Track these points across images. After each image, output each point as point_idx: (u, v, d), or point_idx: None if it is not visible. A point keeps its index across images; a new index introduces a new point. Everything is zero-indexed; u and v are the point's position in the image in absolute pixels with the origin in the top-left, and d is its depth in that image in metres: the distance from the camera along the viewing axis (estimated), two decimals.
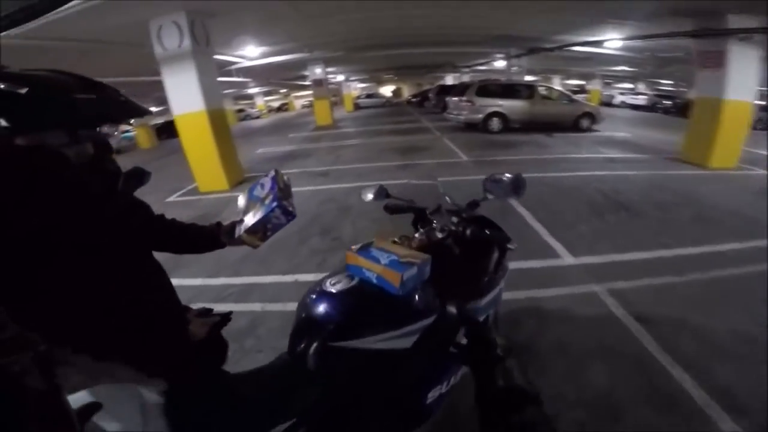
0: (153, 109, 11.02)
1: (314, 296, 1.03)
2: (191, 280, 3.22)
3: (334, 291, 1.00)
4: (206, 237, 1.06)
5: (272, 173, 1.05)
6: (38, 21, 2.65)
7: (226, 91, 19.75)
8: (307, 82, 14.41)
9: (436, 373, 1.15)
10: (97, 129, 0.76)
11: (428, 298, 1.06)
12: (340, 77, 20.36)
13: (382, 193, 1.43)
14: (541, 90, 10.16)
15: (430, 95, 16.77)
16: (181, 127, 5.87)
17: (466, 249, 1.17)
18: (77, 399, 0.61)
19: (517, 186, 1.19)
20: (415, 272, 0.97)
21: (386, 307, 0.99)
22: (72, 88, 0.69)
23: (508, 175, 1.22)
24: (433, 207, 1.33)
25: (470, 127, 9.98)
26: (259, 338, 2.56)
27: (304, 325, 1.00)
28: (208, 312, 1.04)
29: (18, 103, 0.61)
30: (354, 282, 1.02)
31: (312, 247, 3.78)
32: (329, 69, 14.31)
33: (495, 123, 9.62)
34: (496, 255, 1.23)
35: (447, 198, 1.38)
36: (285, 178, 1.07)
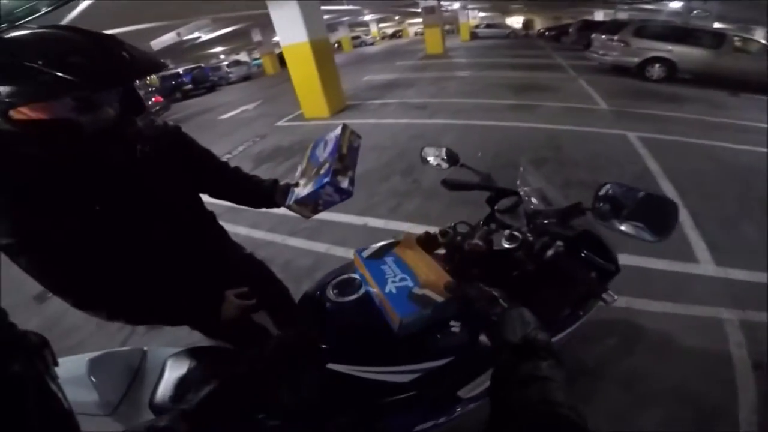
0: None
1: (313, 301, 0.90)
2: (271, 210, 3.42)
3: (330, 301, 0.84)
4: (262, 194, 1.01)
5: (337, 131, 0.89)
6: None
7: (343, 19, 19.69)
8: (418, 9, 13.15)
9: (435, 412, 0.87)
10: (120, 88, 0.69)
11: (446, 338, 0.75)
12: (456, 4, 18.68)
13: (452, 159, 1.09)
14: (736, 41, 7.10)
15: (570, 30, 13.92)
16: (288, 58, 6.16)
17: (542, 269, 0.76)
18: None
19: (658, 217, 0.68)
20: (424, 317, 0.71)
21: (381, 338, 0.74)
22: (70, 47, 0.59)
23: (642, 192, 0.71)
24: (508, 202, 0.93)
25: (619, 70, 7.74)
26: (314, 282, 2.59)
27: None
28: (246, 295, 0.99)
29: (9, 72, 0.55)
30: (357, 294, 0.83)
31: (391, 186, 3.59)
32: None
33: (656, 70, 7.24)
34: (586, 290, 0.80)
35: (538, 189, 0.91)
36: (352, 138, 0.91)
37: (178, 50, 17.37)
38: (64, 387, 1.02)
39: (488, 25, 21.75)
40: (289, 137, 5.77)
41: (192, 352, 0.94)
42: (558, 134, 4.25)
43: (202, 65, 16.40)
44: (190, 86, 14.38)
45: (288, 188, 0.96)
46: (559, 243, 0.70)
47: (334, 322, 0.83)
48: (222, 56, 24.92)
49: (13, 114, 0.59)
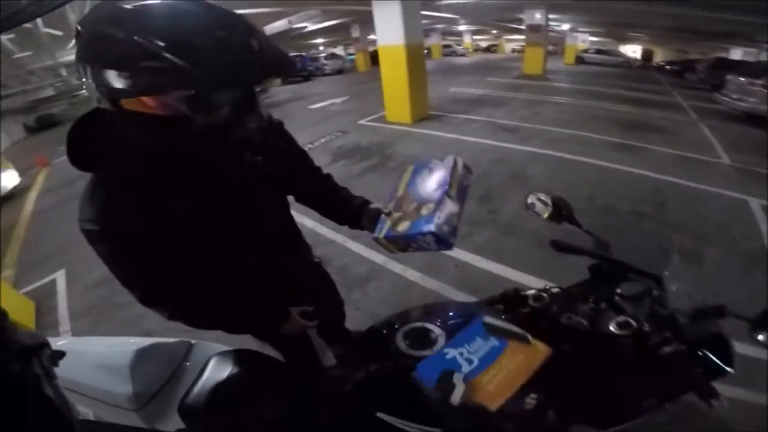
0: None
1: (379, 342, 0.82)
2: None
3: (398, 350, 0.77)
4: (349, 212, 0.94)
5: (449, 162, 0.77)
6: None
7: (436, 26, 19.66)
8: (521, 26, 12.48)
9: None
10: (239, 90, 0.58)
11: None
12: (565, 26, 17.42)
13: (562, 208, 0.94)
14: None
15: (699, 67, 12.06)
16: (382, 58, 6.21)
17: (646, 360, 0.67)
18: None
19: None
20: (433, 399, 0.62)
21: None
22: (198, 28, 0.49)
23: None
24: (636, 288, 0.76)
25: (754, 120, 6.35)
26: (365, 294, 2.53)
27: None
28: (308, 314, 0.96)
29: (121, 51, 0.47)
30: (430, 350, 0.75)
31: (464, 213, 3.34)
32: (551, 15, 12.12)
33: None
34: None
35: (685, 285, 0.76)
36: (463, 175, 0.78)
37: (285, 37, 18.93)
38: (103, 374, 1.05)
39: (599, 51, 20.08)
40: (369, 137, 5.84)
41: (238, 355, 0.90)
42: (664, 187, 3.61)
43: (303, 54, 17.60)
44: None
45: (378, 214, 0.85)
46: (682, 345, 0.62)
47: (399, 374, 0.73)
48: (321, 48, 26.62)
49: (123, 102, 0.52)
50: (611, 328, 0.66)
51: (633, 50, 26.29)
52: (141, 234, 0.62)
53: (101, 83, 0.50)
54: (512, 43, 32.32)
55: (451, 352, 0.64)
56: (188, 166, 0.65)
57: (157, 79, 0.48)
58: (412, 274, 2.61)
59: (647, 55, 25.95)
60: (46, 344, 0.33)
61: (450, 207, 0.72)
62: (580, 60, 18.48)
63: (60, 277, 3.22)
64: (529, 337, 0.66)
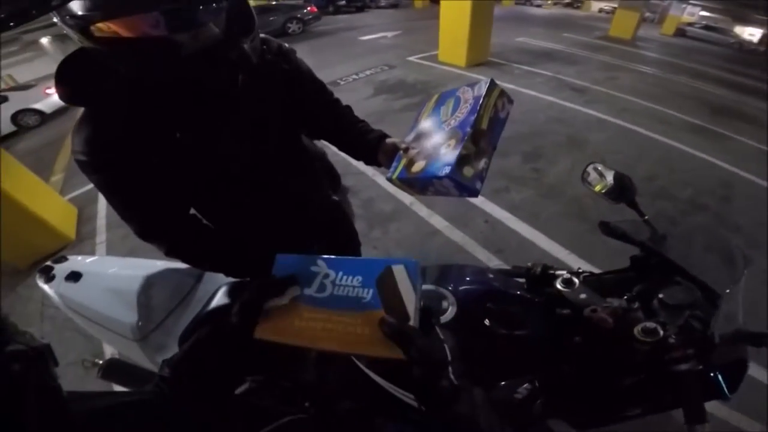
0: None
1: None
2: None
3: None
4: (365, 147, 0.83)
5: (481, 88, 0.60)
6: None
7: None
8: None
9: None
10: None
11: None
12: None
13: (624, 187, 0.82)
14: None
15: None
16: None
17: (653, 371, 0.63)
18: None
19: None
20: None
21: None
22: None
23: None
24: (681, 296, 0.68)
25: None
26: (386, 233, 2.45)
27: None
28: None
29: None
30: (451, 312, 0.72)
31: (505, 166, 3.09)
32: None
33: None
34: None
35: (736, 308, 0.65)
36: (500, 104, 0.60)
37: None
38: (112, 300, 1.04)
39: (707, 27, 17.14)
40: (415, 74, 5.46)
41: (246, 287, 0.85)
42: (735, 181, 3.09)
43: None
44: (343, 2, 14.78)
45: (395, 150, 0.73)
46: (699, 365, 0.58)
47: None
48: None
49: (94, 30, 0.49)
50: (634, 331, 0.61)
51: (750, 33, 22.14)
52: (131, 167, 0.61)
53: (66, 14, 0.49)
54: (601, 2, 28.14)
55: (321, 267, 0.46)
56: (177, 94, 0.61)
57: (116, 1, 0.46)
58: (438, 221, 2.51)
59: (765, 40, 21.79)
60: (46, 344, 0.31)
61: (476, 143, 0.56)
62: (680, 32, 15.93)
63: None
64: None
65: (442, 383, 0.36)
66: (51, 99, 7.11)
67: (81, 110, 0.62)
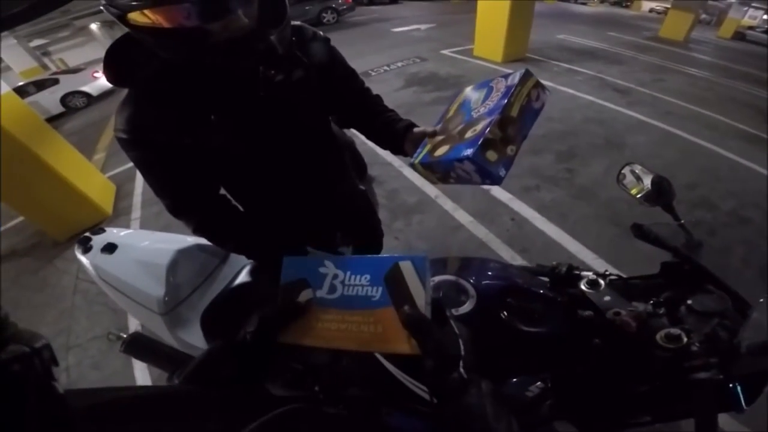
0: None
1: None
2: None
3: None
4: (390, 136, 0.82)
5: (515, 77, 0.59)
6: None
7: None
8: None
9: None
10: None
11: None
12: None
13: (662, 190, 0.79)
14: None
15: None
16: None
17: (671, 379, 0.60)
18: None
19: None
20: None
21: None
22: None
23: None
24: (712, 304, 0.65)
25: None
26: (409, 225, 2.45)
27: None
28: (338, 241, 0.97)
29: None
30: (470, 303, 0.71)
31: (538, 164, 3.01)
32: None
33: None
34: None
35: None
36: (533, 93, 0.58)
37: None
38: (142, 272, 1.06)
39: None
40: (448, 68, 5.38)
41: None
42: None
43: None
44: None
45: (422, 138, 0.73)
46: (720, 374, 0.56)
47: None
48: None
49: (133, 18, 0.52)
50: (657, 337, 0.59)
51: None
52: (167, 145, 0.65)
53: (108, 1, 0.52)
54: (652, 2, 26.40)
55: (329, 268, 0.47)
56: (210, 80, 0.64)
57: None
58: (462, 216, 2.47)
59: None
60: (46, 343, 0.31)
61: (504, 129, 0.55)
62: (739, 36, 14.73)
63: None
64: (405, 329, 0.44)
65: (453, 375, 0.37)
66: (98, 82, 7.56)
67: (125, 92, 0.66)
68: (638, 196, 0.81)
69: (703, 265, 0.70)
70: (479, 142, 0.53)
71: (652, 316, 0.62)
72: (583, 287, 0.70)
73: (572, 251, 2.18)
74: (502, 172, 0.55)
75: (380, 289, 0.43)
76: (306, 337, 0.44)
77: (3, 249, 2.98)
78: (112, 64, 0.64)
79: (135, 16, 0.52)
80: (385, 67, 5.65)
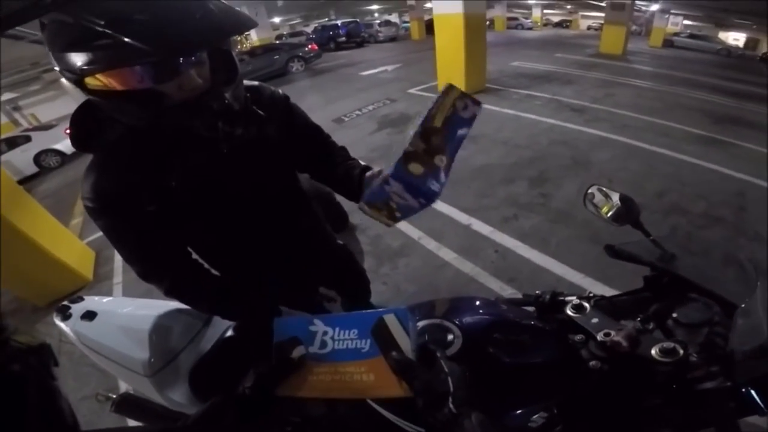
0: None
1: None
2: None
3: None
4: (350, 184, 0.82)
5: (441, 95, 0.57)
6: None
7: None
8: (602, 3, 11.08)
9: None
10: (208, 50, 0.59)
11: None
12: (655, 6, 15.69)
13: (629, 208, 0.82)
14: None
15: None
16: (438, 26, 5.81)
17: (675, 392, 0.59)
18: None
19: None
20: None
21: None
22: (138, 5, 0.49)
23: None
24: (697, 315, 0.66)
25: None
26: (395, 269, 2.45)
27: None
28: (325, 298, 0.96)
29: (76, 34, 0.49)
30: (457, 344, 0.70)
31: (513, 193, 3.13)
32: None
33: None
34: None
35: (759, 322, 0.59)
36: (460, 105, 0.57)
37: (340, 4, 18.51)
38: (125, 337, 1.06)
39: (692, 36, 17.61)
40: (417, 106, 5.63)
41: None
42: (748, 189, 3.06)
43: (358, 20, 17.29)
44: (343, 39, 15.48)
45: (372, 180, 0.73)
46: (726, 381, 0.54)
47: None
48: (376, 14, 25.87)
49: (89, 82, 0.53)
50: (652, 352, 0.57)
51: (735, 38, 22.53)
52: (132, 213, 0.65)
53: (61, 67, 0.52)
54: (589, 20, 29.13)
55: (318, 326, 0.51)
56: (170, 144, 0.64)
57: (101, 56, 0.48)
58: (447, 254, 2.52)
59: (752, 45, 22.13)
60: (46, 344, 0.34)
61: (427, 141, 0.53)
62: (668, 43, 16.34)
63: None
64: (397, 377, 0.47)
65: (444, 411, 0.40)
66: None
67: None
68: (608, 215, 0.83)
69: (681, 275, 0.71)
70: (399, 157, 0.53)
71: (642, 333, 0.62)
72: (569, 312, 0.70)
73: (559, 274, 2.24)
74: (434, 186, 0.54)
75: (368, 341, 0.47)
76: (303, 389, 0.48)
77: None
78: (77, 127, 0.64)
79: (89, 80, 0.53)
80: (357, 112, 5.83)
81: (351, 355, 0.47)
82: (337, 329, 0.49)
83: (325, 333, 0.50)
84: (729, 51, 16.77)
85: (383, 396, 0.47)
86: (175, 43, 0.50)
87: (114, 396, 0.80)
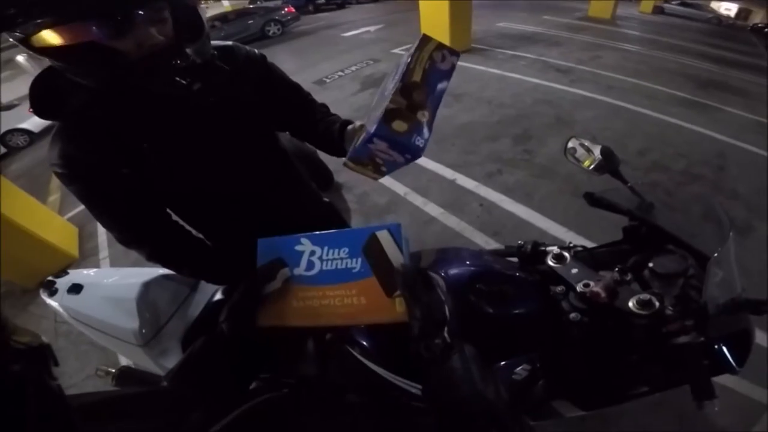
0: None
1: None
2: None
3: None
4: (333, 141, 0.80)
5: (416, 42, 0.54)
6: None
7: None
8: None
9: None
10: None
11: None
12: None
13: (607, 162, 0.81)
14: None
15: None
16: None
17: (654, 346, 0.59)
18: None
19: None
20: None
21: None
22: None
23: None
24: (672, 266, 0.65)
25: None
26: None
27: None
28: None
29: None
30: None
31: (497, 149, 3.09)
32: None
33: None
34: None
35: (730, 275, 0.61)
36: (437, 56, 0.54)
37: None
38: (113, 308, 1.07)
39: (684, 3, 17.43)
40: None
41: None
42: (728, 150, 3.11)
43: None
44: (322, 0, 14.56)
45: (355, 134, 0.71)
46: (700, 337, 0.55)
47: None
48: None
49: (34, 42, 0.50)
50: (629, 304, 0.59)
51: (726, 8, 22.48)
52: (105, 177, 0.63)
53: (6, 27, 0.49)
54: None
55: (306, 246, 0.46)
56: (137, 106, 0.62)
57: (36, 12, 0.46)
58: (433, 209, 2.51)
59: (744, 15, 22.12)
60: (46, 344, 0.31)
61: (407, 96, 0.51)
62: (659, 10, 16.10)
63: None
64: (398, 295, 0.42)
65: (437, 341, 0.37)
66: (36, 118, 6.90)
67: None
68: (590, 167, 0.82)
69: (658, 225, 0.70)
70: (380, 115, 0.50)
71: (620, 284, 0.61)
72: (550, 262, 0.70)
73: (542, 228, 2.25)
74: (418, 141, 0.51)
75: (359, 260, 0.43)
76: (287, 317, 0.43)
77: None
78: (37, 96, 0.62)
79: (37, 39, 0.49)
80: (339, 73, 5.63)
81: (341, 276, 0.43)
82: (326, 248, 0.45)
83: (312, 253, 0.46)
84: (720, 20, 16.83)
85: (376, 321, 0.42)
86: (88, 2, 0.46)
87: (113, 370, 0.80)
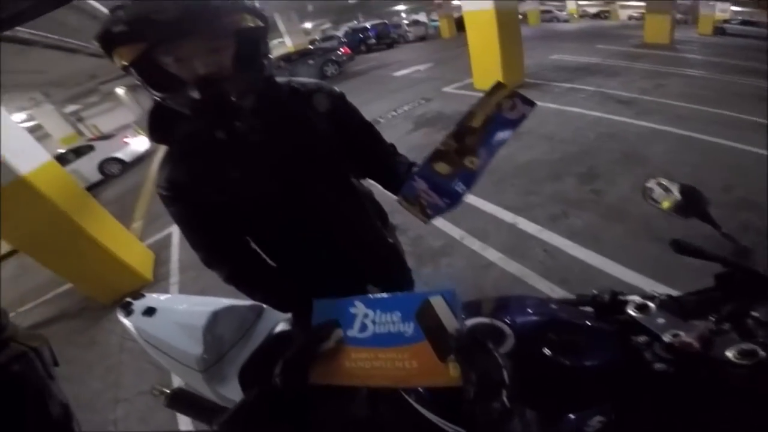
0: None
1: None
2: None
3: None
4: (396, 182, 0.79)
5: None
6: None
7: None
8: None
9: None
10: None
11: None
12: None
13: (694, 200, 0.76)
14: None
15: None
16: (469, 23, 5.74)
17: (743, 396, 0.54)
18: None
19: None
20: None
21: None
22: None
23: None
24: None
25: None
26: (437, 269, 2.42)
27: None
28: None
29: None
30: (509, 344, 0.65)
31: (560, 189, 3.03)
32: None
33: None
34: None
35: None
36: (506, 104, 0.54)
37: (367, 6, 18.71)
38: (181, 333, 1.12)
39: (744, 22, 16.19)
40: (454, 105, 5.62)
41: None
42: None
43: (386, 22, 17.45)
44: (373, 41, 15.67)
45: None
46: None
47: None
48: (403, 15, 25.99)
49: (116, 59, 0.55)
50: (728, 354, 0.53)
51: None
52: (199, 203, 0.70)
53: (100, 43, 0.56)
54: (629, 9, 27.44)
55: (359, 308, 0.47)
56: (224, 139, 0.67)
57: (104, 35, 0.53)
58: (492, 254, 2.45)
59: None
60: (47, 344, 0.36)
61: (459, 140, 0.52)
62: (719, 31, 15.08)
63: (175, 232, 3.62)
64: (452, 359, 0.42)
65: (495, 405, 0.35)
66: (129, 148, 7.79)
67: (158, 155, 0.73)
68: (666, 207, 0.78)
69: (757, 271, 0.65)
70: (428, 156, 0.52)
71: (716, 334, 0.57)
72: (631, 312, 0.65)
73: (615, 275, 2.13)
74: (459, 187, 0.52)
75: (412, 324, 0.43)
76: (339, 377, 0.44)
77: (54, 312, 3.19)
78: (153, 123, 0.68)
79: (118, 54, 0.54)
80: (393, 113, 5.89)
81: (393, 339, 0.44)
82: (378, 312, 0.46)
83: (365, 315, 0.46)
84: None
85: (427, 384, 0.44)
86: (153, 27, 0.51)
87: (168, 391, 0.83)
